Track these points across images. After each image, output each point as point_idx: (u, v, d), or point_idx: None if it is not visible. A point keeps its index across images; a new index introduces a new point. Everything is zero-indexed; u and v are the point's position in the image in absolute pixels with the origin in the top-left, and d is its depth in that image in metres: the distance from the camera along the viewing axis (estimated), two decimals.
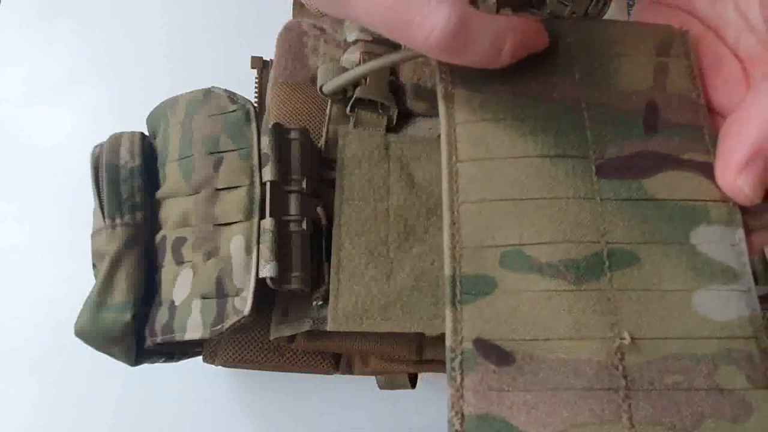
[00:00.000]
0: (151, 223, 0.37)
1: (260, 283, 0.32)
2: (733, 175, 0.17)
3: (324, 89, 0.36)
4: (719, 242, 0.18)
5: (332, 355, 0.38)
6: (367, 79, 0.36)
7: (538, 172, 0.19)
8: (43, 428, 0.45)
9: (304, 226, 0.34)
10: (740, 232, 0.19)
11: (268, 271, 0.32)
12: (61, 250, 0.50)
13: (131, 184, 0.37)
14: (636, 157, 0.19)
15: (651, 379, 0.17)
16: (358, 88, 0.37)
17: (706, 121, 0.20)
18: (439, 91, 0.21)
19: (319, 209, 0.35)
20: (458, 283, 0.19)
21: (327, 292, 0.34)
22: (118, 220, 0.36)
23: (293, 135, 0.35)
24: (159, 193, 0.37)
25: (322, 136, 0.38)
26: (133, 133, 0.38)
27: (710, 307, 0.18)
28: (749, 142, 0.17)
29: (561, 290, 0.18)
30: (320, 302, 0.34)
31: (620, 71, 0.20)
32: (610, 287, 0.18)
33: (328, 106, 0.38)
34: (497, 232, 0.19)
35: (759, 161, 0.17)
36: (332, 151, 0.37)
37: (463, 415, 0.18)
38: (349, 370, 0.38)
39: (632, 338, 0.17)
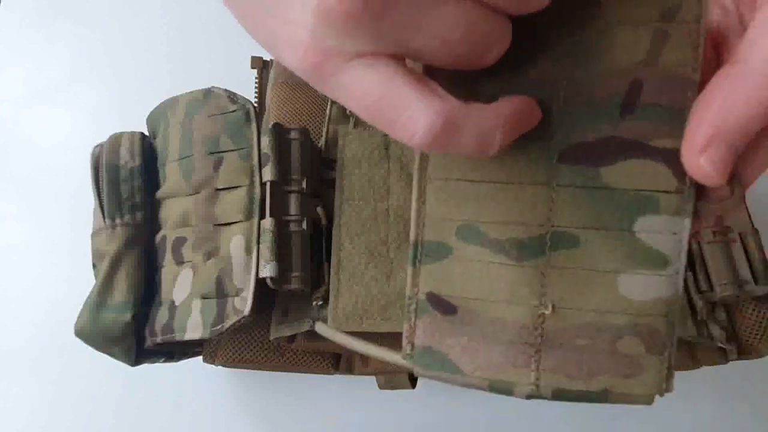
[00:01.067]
0: (151, 223, 0.37)
1: (260, 283, 0.32)
2: (696, 156, 0.18)
3: None
4: (661, 231, 0.20)
5: (332, 355, 0.38)
6: None
7: (501, 156, 0.20)
8: (43, 428, 0.45)
9: (304, 226, 0.34)
10: (686, 222, 0.20)
11: (268, 271, 0.32)
12: (61, 250, 0.50)
13: (131, 184, 0.37)
14: (602, 144, 0.20)
15: (562, 340, 0.20)
16: None
17: (692, 100, 0.19)
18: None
19: (319, 209, 0.35)
20: (419, 247, 0.22)
21: (327, 292, 0.34)
22: (118, 220, 0.36)
23: (293, 135, 0.35)
24: (159, 193, 0.37)
25: (322, 136, 0.38)
26: (133, 133, 0.38)
27: (632, 288, 0.20)
28: (708, 124, 0.18)
29: (503, 263, 0.21)
30: (320, 302, 0.34)
31: (612, 44, 0.19)
32: (546, 264, 0.20)
33: (328, 106, 0.38)
34: (457, 208, 0.21)
35: (719, 143, 0.17)
36: (332, 151, 0.37)
37: (413, 344, 0.22)
38: (349, 370, 0.38)
39: (554, 308, 0.20)
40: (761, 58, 0.17)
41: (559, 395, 0.21)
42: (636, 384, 0.20)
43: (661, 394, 0.21)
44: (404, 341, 0.22)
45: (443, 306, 0.21)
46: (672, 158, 0.19)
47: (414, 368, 0.22)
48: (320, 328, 0.33)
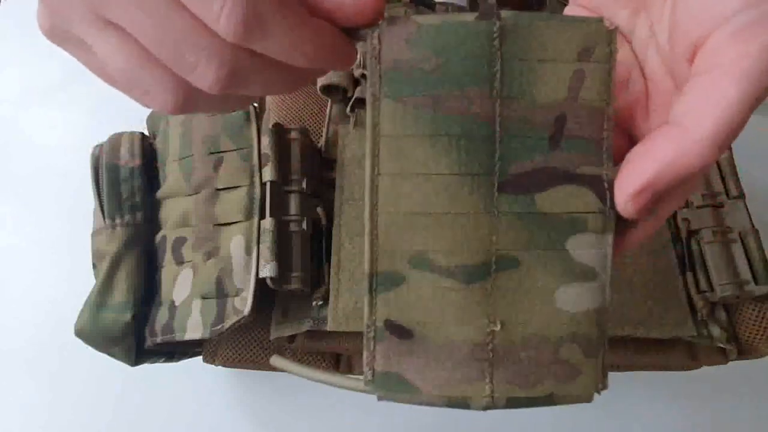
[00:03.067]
0: (151, 223, 0.37)
1: (260, 283, 0.32)
2: (625, 198, 0.21)
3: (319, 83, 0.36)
4: (590, 247, 0.22)
5: (332, 355, 0.38)
6: (368, 78, 0.36)
7: (446, 188, 0.22)
8: (42, 428, 0.45)
9: (304, 226, 0.34)
10: (609, 238, 0.22)
11: (268, 271, 0.32)
12: (61, 250, 0.50)
13: (131, 184, 0.37)
14: (535, 173, 0.22)
15: (511, 354, 0.23)
16: (358, 88, 0.37)
17: (608, 132, 0.22)
18: (368, 97, 0.22)
19: (319, 209, 0.35)
20: (374, 278, 0.23)
21: (327, 292, 0.34)
22: (118, 220, 0.36)
23: (293, 135, 0.35)
24: (159, 193, 0.37)
25: (322, 136, 0.38)
26: (133, 133, 0.38)
27: (567, 301, 0.22)
28: (643, 177, 0.20)
29: (452, 288, 0.23)
30: (320, 302, 0.34)
31: (539, 80, 0.22)
32: (491, 286, 0.23)
33: (328, 106, 0.38)
34: (407, 239, 0.23)
35: (647, 193, 0.20)
36: (332, 151, 0.37)
37: (374, 370, 0.23)
38: (349, 370, 0.38)
39: (502, 325, 0.23)
40: (699, 129, 0.19)
41: (512, 403, 0.23)
42: (576, 386, 0.23)
43: (599, 392, 0.23)
44: (365, 368, 0.23)
45: (399, 331, 0.23)
46: (594, 183, 0.22)
47: (376, 394, 0.24)
48: (275, 361, 0.34)
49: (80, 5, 0.19)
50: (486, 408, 0.23)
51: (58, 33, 0.21)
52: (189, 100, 0.21)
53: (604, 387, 0.23)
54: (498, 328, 0.22)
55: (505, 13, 0.21)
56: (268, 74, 0.21)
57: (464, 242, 0.22)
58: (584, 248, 0.22)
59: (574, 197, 0.22)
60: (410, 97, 0.22)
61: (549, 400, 0.23)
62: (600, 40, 0.21)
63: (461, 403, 0.23)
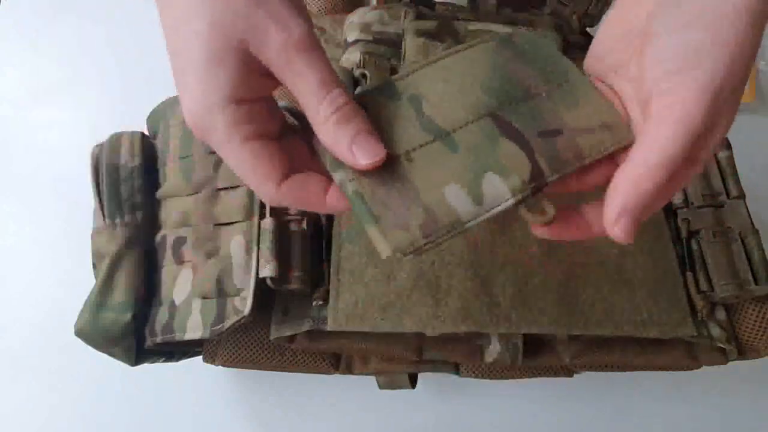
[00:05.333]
0: (151, 223, 0.37)
1: (260, 283, 0.32)
2: (612, 226, 0.24)
3: None
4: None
5: (332, 355, 0.38)
6: (368, 78, 0.36)
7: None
8: (42, 428, 0.45)
9: (304, 225, 0.34)
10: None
11: (268, 271, 0.32)
12: (60, 250, 0.50)
13: (131, 184, 0.37)
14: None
15: None
16: (359, 87, 0.37)
17: (572, 168, 0.26)
18: None
19: None
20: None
21: (327, 292, 0.34)
22: (118, 220, 0.36)
23: None
24: (159, 193, 0.37)
25: None
26: (133, 133, 0.38)
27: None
28: (617, 205, 0.24)
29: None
30: (320, 302, 0.34)
31: (565, 112, 0.26)
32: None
33: None
34: None
35: (625, 217, 0.24)
36: None
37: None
38: (349, 370, 0.38)
39: None
40: (646, 163, 0.23)
41: None
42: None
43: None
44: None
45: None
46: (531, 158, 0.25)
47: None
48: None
49: (211, 142, 0.24)
50: None
51: (200, 136, 0.26)
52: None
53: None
54: None
55: None
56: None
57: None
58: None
59: (513, 157, 0.25)
60: None
61: None
62: (622, 137, 0.26)
63: None
